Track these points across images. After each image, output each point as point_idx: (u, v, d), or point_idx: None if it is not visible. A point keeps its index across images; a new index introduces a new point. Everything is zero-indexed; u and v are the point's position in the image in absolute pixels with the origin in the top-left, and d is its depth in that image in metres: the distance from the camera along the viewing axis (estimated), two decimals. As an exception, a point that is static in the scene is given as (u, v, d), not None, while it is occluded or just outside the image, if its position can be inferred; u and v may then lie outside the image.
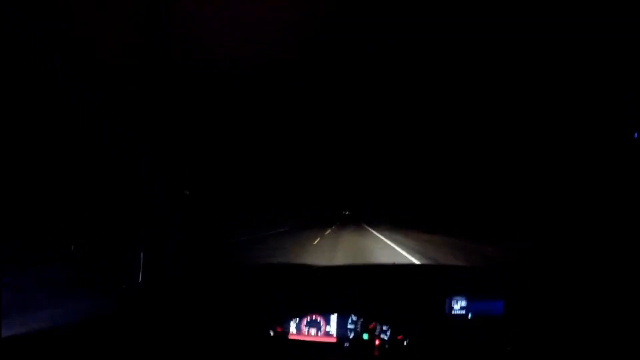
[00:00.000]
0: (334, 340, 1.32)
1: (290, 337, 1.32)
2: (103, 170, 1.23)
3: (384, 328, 1.31)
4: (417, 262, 7.37)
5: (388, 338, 1.30)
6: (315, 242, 9.63)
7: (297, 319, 1.33)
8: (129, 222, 1.26)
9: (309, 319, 1.33)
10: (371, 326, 1.30)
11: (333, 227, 17.50)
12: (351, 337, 1.32)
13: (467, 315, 1.33)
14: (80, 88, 1.10)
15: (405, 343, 1.26)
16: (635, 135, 1.85)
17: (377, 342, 1.29)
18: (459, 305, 1.34)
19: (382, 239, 11.21)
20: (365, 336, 1.30)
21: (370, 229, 16.59)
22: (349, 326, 1.32)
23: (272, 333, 1.30)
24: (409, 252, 7.73)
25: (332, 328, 1.33)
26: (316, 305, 1.35)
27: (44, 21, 1.02)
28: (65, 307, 1.17)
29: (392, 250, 8.31)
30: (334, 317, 1.33)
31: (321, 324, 1.33)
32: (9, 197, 1.06)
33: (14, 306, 0.91)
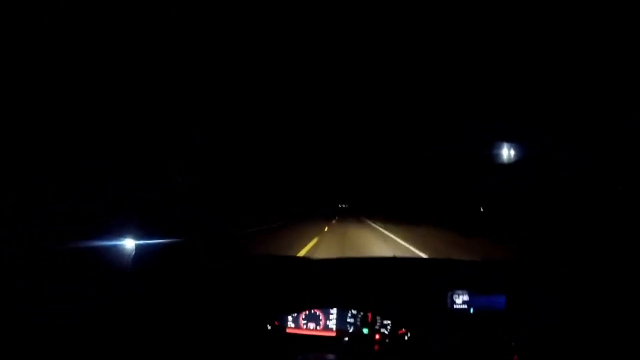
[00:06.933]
0: (333, 334, 1.29)
1: (288, 331, 1.29)
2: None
3: (385, 322, 1.28)
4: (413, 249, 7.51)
5: (388, 332, 1.27)
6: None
7: (295, 312, 1.30)
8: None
9: (307, 313, 1.30)
10: (369, 318, 1.28)
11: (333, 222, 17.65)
12: (351, 331, 1.29)
13: (469, 309, 1.31)
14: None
15: (406, 338, 1.24)
16: None
17: (377, 336, 1.26)
18: (460, 300, 1.31)
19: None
20: (366, 330, 1.28)
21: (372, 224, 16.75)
22: (349, 320, 1.29)
23: (269, 327, 1.27)
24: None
25: (332, 322, 1.30)
26: (315, 299, 1.32)
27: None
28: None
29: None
30: (333, 311, 1.30)
31: (320, 318, 1.30)
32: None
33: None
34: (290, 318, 1.30)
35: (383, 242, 9.15)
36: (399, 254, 6.36)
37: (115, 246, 1.31)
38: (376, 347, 1.24)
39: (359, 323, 1.28)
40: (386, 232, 11.93)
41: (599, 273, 1.46)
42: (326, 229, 13.16)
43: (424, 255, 6.56)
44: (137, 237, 1.34)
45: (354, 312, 1.29)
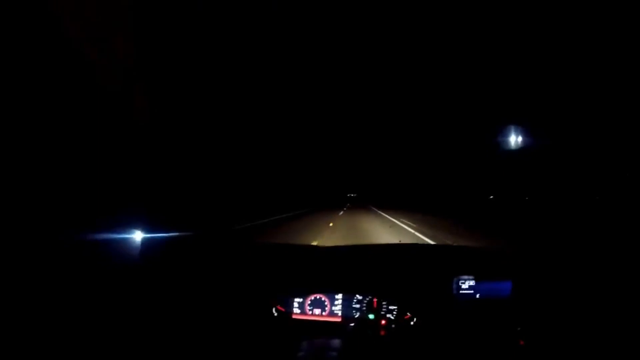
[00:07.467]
0: (339, 320, 1.30)
1: (294, 316, 1.31)
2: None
3: (390, 308, 1.29)
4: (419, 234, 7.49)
5: (394, 318, 1.28)
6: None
7: (302, 298, 1.32)
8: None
9: (313, 299, 1.32)
10: (375, 304, 1.28)
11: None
12: (356, 316, 1.30)
13: (475, 295, 1.31)
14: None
15: (412, 323, 1.24)
16: None
17: (383, 322, 1.27)
18: (466, 285, 1.31)
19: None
20: (371, 316, 1.28)
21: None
22: (354, 306, 1.30)
23: (275, 313, 1.29)
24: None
25: (337, 308, 1.31)
26: (321, 284, 1.33)
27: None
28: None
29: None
30: (339, 297, 1.31)
31: (326, 304, 1.31)
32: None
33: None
34: (296, 304, 1.31)
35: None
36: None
37: (123, 239, 1.32)
38: (382, 333, 1.25)
39: (364, 308, 1.29)
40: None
41: (603, 263, 1.44)
42: (340, 213, 13.19)
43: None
44: (145, 230, 1.35)
45: (360, 297, 1.30)
